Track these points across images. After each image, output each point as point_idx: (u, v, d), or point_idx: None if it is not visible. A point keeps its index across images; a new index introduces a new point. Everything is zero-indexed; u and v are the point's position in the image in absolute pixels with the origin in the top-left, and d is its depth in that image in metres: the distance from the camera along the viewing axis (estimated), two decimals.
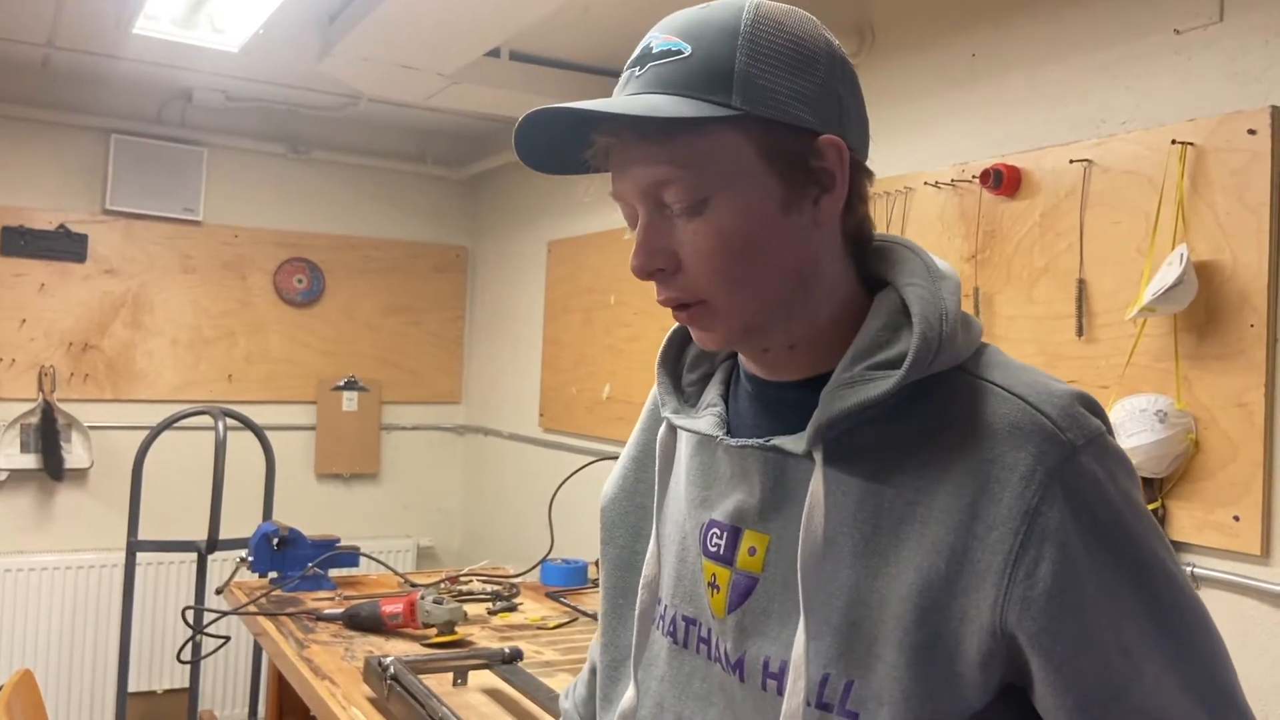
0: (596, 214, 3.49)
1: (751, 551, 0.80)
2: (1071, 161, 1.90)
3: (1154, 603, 0.71)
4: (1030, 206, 1.98)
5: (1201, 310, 1.69)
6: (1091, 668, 0.69)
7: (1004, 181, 1.99)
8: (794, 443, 0.76)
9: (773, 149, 0.74)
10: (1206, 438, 1.69)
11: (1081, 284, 1.87)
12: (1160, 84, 1.81)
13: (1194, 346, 1.71)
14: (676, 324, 0.89)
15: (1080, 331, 1.87)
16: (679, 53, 0.75)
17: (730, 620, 0.80)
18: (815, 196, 0.76)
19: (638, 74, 0.77)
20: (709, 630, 0.83)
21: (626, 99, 0.76)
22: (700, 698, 0.83)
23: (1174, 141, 1.73)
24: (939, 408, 0.74)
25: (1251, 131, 1.64)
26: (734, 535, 0.81)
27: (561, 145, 0.80)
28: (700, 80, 0.74)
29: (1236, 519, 1.64)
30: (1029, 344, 1.95)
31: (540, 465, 3.78)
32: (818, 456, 0.74)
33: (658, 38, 0.78)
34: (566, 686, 1.12)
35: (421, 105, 3.46)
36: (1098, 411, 0.74)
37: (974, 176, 2.05)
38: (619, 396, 3.32)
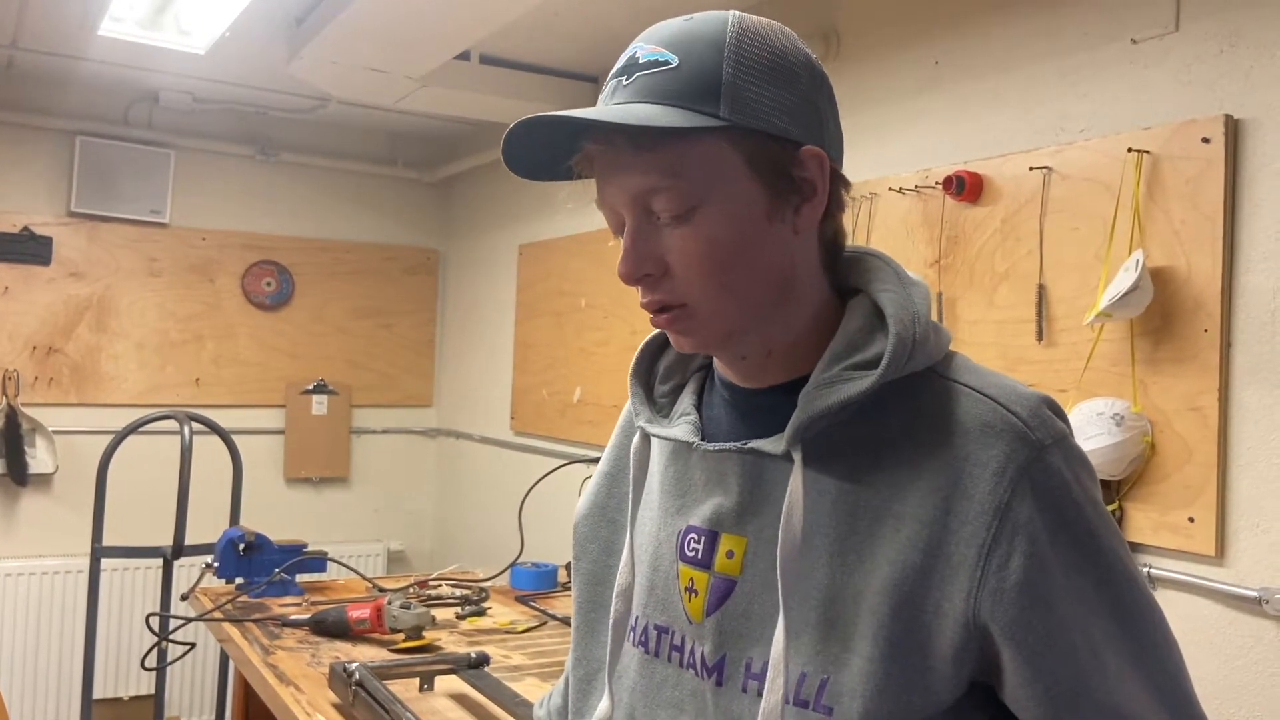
0: (567, 217, 3.50)
1: (729, 555, 0.81)
2: (1031, 169, 1.92)
3: (1116, 602, 0.74)
4: (992, 213, 2.00)
5: (1157, 315, 1.72)
6: (1060, 660, 0.71)
7: (966, 188, 2.01)
8: (772, 444, 0.78)
9: (758, 158, 0.76)
10: (1162, 441, 1.71)
11: (1041, 289, 1.90)
12: (1117, 92, 1.84)
13: (1150, 351, 1.74)
14: (649, 336, 0.90)
15: (1040, 336, 1.90)
16: (667, 63, 0.77)
17: (709, 624, 0.81)
18: (797, 205, 0.78)
19: (625, 83, 0.78)
20: (682, 637, 0.84)
21: (619, 108, 0.76)
22: (671, 705, 0.84)
23: (1130, 149, 1.76)
24: (913, 408, 0.76)
25: (1206, 140, 1.67)
26: (711, 539, 0.82)
27: (548, 152, 0.80)
28: (689, 91, 0.75)
29: (1191, 520, 1.67)
30: (990, 348, 1.97)
31: (511, 468, 3.78)
32: (796, 456, 0.76)
33: (644, 48, 0.79)
34: (541, 696, 1.12)
35: (391, 108, 3.45)
36: (1061, 415, 0.77)
37: (937, 183, 2.07)
38: (590, 399, 3.32)
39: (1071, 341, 1.85)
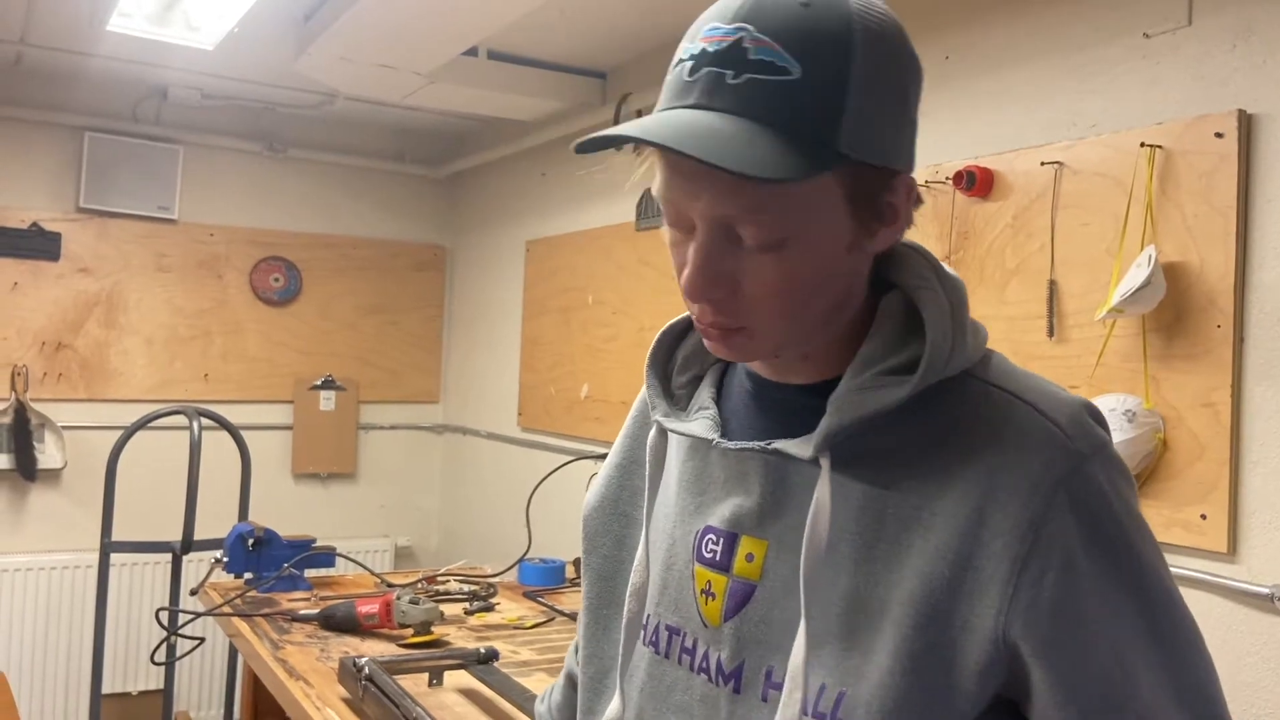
0: (575, 213, 3.49)
1: (749, 558, 0.78)
2: (1043, 164, 1.92)
3: (1150, 615, 0.71)
4: (1002, 208, 1.99)
5: (1169, 311, 1.71)
6: (1093, 679, 0.69)
7: (977, 183, 2.01)
8: (799, 447, 0.74)
9: (859, 193, 0.71)
10: (1174, 437, 1.71)
11: (1053, 285, 1.89)
12: (1129, 87, 1.83)
13: (1162, 347, 1.73)
14: (668, 324, 0.87)
15: (1051, 332, 1.89)
16: (784, 71, 0.67)
17: (726, 629, 0.78)
18: (875, 230, 0.73)
19: (730, 81, 0.68)
20: (694, 640, 0.81)
21: (725, 132, 0.66)
22: (680, 710, 0.81)
23: (1143, 144, 1.75)
24: (947, 412, 0.73)
25: (1219, 135, 1.66)
26: (731, 541, 0.79)
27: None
28: (808, 117, 0.67)
29: (1204, 517, 1.67)
30: (1001, 344, 1.95)
31: (518, 465, 3.78)
32: (824, 462, 0.73)
33: (753, 35, 0.67)
34: (544, 690, 1.12)
35: (399, 104, 3.45)
36: (1102, 422, 0.74)
37: (947, 178, 2.07)
38: (597, 396, 3.32)
39: (1083, 337, 1.84)
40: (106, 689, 3.36)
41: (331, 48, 2.80)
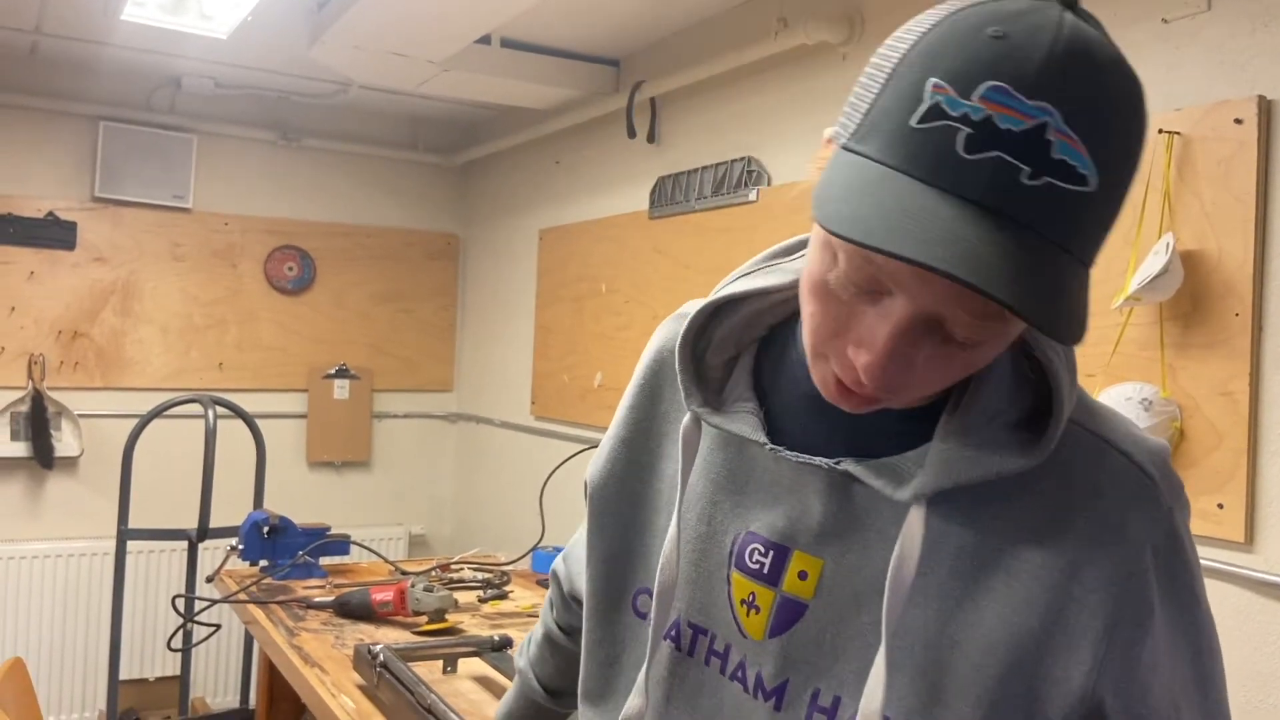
0: (588, 202, 3.49)
1: (802, 575, 0.73)
2: None
3: (1200, 662, 0.72)
4: None
5: (1187, 299, 1.70)
6: None
7: None
8: (878, 478, 0.69)
9: None
10: (1191, 426, 1.70)
11: None
12: (1148, 73, 1.82)
13: (1179, 335, 1.72)
14: (702, 305, 0.79)
15: None
16: (1083, 180, 0.55)
17: (772, 645, 0.74)
18: None
19: (1026, 180, 0.55)
20: (727, 646, 0.77)
21: (1031, 267, 0.54)
22: (709, 713, 0.78)
23: (1161, 130, 1.74)
24: None
25: (1238, 121, 1.65)
26: (781, 555, 0.74)
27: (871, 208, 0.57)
28: (1092, 241, 0.58)
29: (1221, 506, 1.66)
30: None
31: (532, 453, 3.79)
32: (922, 508, 0.67)
33: (1056, 123, 0.55)
34: (520, 643, 1.12)
35: (412, 92, 3.45)
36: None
37: None
38: (610, 384, 3.32)
39: (1099, 326, 1.83)
40: (124, 675, 3.39)
41: (345, 36, 2.80)
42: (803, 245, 0.79)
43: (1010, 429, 0.68)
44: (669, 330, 0.89)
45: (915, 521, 0.67)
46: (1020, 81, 0.55)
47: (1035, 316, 0.54)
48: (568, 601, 1.04)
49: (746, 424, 0.76)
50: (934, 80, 0.57)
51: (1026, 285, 0.54)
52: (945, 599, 0.68)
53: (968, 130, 0.55)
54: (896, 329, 0.60)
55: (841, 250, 0.61)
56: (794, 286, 0.76)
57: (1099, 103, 0.56)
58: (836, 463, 0.71)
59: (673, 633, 0.80)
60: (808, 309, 0.66)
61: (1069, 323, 0.55)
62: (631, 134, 3.08)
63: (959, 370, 0.64)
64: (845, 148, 0.61)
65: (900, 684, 0.68)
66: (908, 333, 0.60)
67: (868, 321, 0.62)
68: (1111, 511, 0.67)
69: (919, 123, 0.56)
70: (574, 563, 1.02)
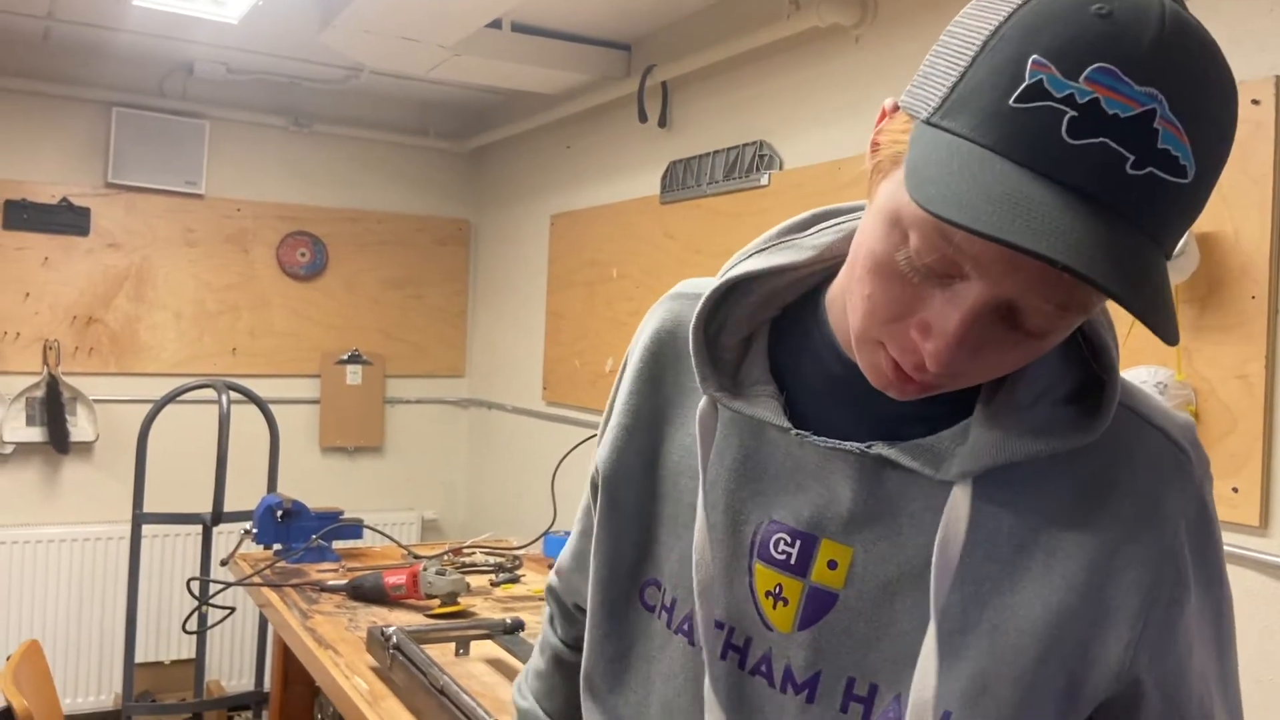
0: (599, 187, 3.48)
1: (831, 565, 0.71)
2: None
3: (1221, 632, 0.73)
4: None
5: (1203, 282, 1.68)
6: (1190, 704, 0.70)
7: None
8: (913, 459, 0.68)
9: None
10: (1206, 409, 1.69)
11: None
12: None
13: (1195, 318, 1.70)
14: (715, 284, 0.76)
15: None
16: (1182, 172, 0.53)
17: (802, 637, 0.72)
18: None
19: (1131, 169, 0.52)
20: (746, 640, 0.74)
21: (1134, 258, 0.53)
22: (731, 710, 0.75)
23: None
24: None
25: (1255, 101, 1.63)
26: (809, 544, 0.72)
27: (978, 195, 0.53)
28: (1171, 226, 0.56)
29: (1235, 490, 1.65)
30: None
31: (543, 438, 3.79)
32: (967, 487, 0.66)
33: (1164, 110, 0.52)
34: (516, 681, 1.05)
35: (423, 77, 3.44)
36: None
37: None
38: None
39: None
40: (139, 658, 3.42)
41: (355, 20, 2.79)
42: (819, 220, 0.77)
43: (1061, 405, 0.67)
44: (667, 310, 0.84)
45: (961, 501, 0.65)
46: (1128, 64, 0.52)
47: (1147, 316, 0.52)
48: (570, 613, 0.99)
49: (767, 408, 0.73)
50: (1035, 57, 0.53)
51: (1135, 281, 0.52)
52: (982, 582, 0.67)
53: (1072, 113, 0.52)
54: (970, 314, 0.58)
55: (915, 230, 0.58)
56: (813, 264, 0.74)
57: (1201, 91, 0.54)
58: (868, 447, 0.69)
59: (684, 625, 0.77)
60: (864, 290, 0.63)
61: (1172, 319, 0.54)
62: (643, 118, 3.07)
63: (1021, 358, 0.62)
64: (930, 122, 0.57)
65: (946, 670, 0.67)
66: (981, 319, 0.58)
67: (936, 305, 0.59)
68: (1149, 487, 0.67)
69: (1017, 101, 0.53)
70: (570, 572, 0.97)
